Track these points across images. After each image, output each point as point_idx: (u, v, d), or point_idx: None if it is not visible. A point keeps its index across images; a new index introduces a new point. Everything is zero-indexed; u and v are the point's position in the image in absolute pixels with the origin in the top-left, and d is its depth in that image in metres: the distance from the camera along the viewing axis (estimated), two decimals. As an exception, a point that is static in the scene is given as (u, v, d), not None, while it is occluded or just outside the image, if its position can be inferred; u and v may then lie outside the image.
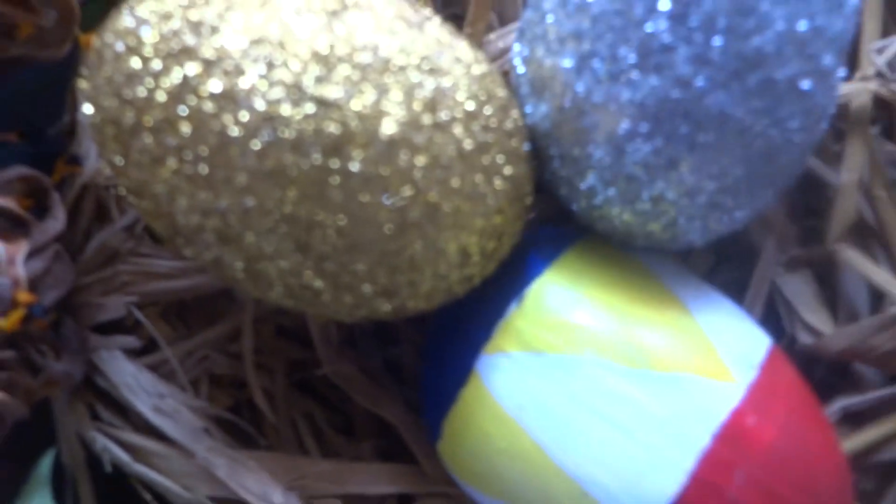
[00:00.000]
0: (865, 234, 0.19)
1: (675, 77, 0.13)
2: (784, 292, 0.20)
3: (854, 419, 0.19)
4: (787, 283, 0.20)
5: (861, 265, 0.19)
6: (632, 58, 0.13)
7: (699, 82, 0.13)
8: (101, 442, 0.18)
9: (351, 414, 0.20)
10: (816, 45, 0.13)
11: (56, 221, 0.17)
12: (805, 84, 0.13)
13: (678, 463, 0.14)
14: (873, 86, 0.18)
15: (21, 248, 0.16)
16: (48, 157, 0.20)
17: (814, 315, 0.19)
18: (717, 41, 0.13)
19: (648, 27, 0.13)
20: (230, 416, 0.18)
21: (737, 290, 0.20)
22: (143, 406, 0.17)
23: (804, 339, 0.19)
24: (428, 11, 0.15)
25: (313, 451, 0.19)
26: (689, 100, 0.13)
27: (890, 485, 0.18)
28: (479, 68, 0.14)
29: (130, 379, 0.18)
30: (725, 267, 0.21)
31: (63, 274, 0.17)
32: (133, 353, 0.18)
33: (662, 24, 0.13)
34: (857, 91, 0.18)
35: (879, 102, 0.18)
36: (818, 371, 0.20)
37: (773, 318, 0.20)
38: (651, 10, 0.13)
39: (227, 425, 0.18)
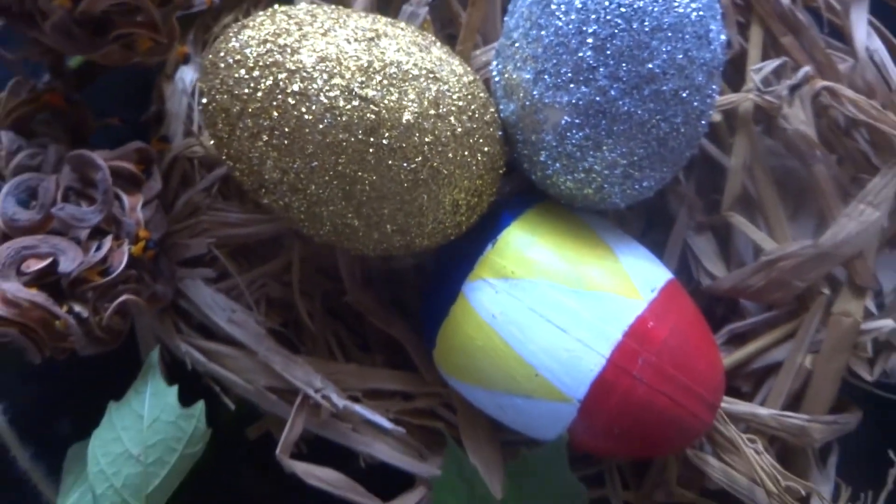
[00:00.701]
0: (750, 205, 0.26)
1: (597, 88, 0.20)
2: (693, 248, 0.27)
3: (738, 339, 0.26)
4: (695, 242, 0.27)
5: (745, 227, 0.25)
6: (569, 74, 0.20)
7: (613, 92, 0.20)
8: (184, 348, 0.24)
9: (367, 333, 0.27)
10: (691, 68, 0.20)
11: (156, 183, 0.24)
12: (684, 94, 0.20)
13: (600, 351, 0.21)
14: (752, 96, 0.25)
15: (138, 200, 0.22)
16: (140, 137, 0.26)
17: (713, 265, 0.26)
18: (624, 65, 0.19)
19: (580, 54, 0.20)
20: (281, 329, 0.25)
21: (660, 248, 0.27)
22: (219, 318, 0.24)
23: (705, 282, 0.26)
24: (432, 37, 0.22)
25: (340, 359, 0.25)
26: (606, 103, 0.20)
27: (762, 385, 0.25)
28: (468, 77, 0.21)
29: (209, 299, 0.24)
30: (652, 231, 0.28)
31: (161, 221, 0.24)
32: (209, 281, 0.24)
33: (589, 53, 0.19)
34: (742, 100, 0.25)
35: (760, 108, 0.25)
36: (719, 309, 0.27)
37: (686, 268, 0.27)
38: (582, 43, 0.19)
39: (277, 336, 0.25)
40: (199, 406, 0.21)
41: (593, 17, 0.19)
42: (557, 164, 0.22)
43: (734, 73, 0.26)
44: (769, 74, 0.25)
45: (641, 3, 0.19)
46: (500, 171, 0.22)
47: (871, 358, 0.25)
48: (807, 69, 0.24)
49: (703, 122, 0.21)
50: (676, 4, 0.19)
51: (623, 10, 0.19)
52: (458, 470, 0.25)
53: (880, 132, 0.24)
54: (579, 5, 0.19)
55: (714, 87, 0.21)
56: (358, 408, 0.23)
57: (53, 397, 0.29)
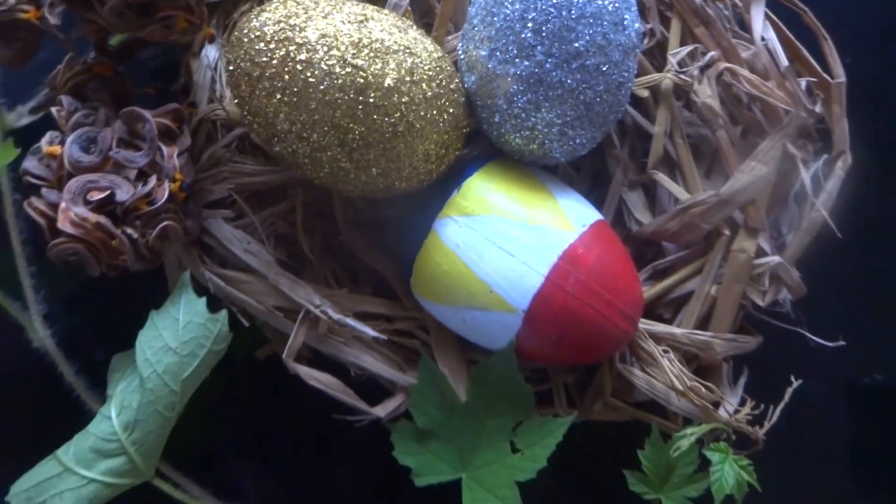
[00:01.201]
0: (671, 165, 0.32)
1: (536, 62, 0.25)
2: (626, 202, 0.32)
3: (659, 274, 0.31)
4: (628, 197, 0.32)
5: (667, 183, 0.31)
6: (514, 51, 0.26)
7: (548, 65, 0.25)
8: (207, 275, 0.30)
9: (356, 267, 0.32)
10: (609, 48, 0.26)
11: (187, 138, 0.29)
12: (604, 68, 0.26)
13: (540, 271, 0.27)
14: (671, 76, 0.30)
15: (174, 150, 0.28)
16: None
17: (641, 214, 0.32)
18: (556, 45, 0.25)
19: (522, 35, 0.25)
20: (286, 260, 0.30)
21: (601, 202, 0.33)
22: (236, 249, 0.29)
23: (634, 228, 0.32)
24: (410, 21, 0.28)
25: (334, 286, 0.31)
26: (543, 74, 0.26)
27: (679, 312, 0.31)
28: (438, 54, 0.27)
29: (228, 234, 0.30)
30: (596, 189, 0.34)
31: (190, 170, 0.29)
32: (229, 220, 0.30)
33: (529, 35, 0.25)
34: (663, 78, 0.31)
35: (678, 86, 0.31)
36: (648, 252, 0.33)
37: (621, 218, 0.33)
38: (524, 27, 0.25)
39: (283, 266, 0.30)
40: (223, 313, 0.27)
41: (532, 6, 0.25)
42: (508, 125, 0.27)
43: (659, 57, 0.32)
44: (684, 58, 0.31)
45: (565, 4, 0.25)
46: (464, 130, 0.28)
47: (765, 290, 0.30)
48: (713, 54, 0.30)
49: (622, 91, 0.27)
50: (597, 2, 0.25)
51: (555, 1, 0.25)
52: (430, 379, 0.30)
53: (770, 105, 0.29)
54: (518, 5, 0.25)
55: (630, 63, 0.27)
56: (349, 321, 0.29)
57: (90, 329, 0.35)
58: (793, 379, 0.32)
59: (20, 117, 0.34)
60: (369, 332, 0.29)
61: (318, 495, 0.34)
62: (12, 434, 0.34)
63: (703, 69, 0.30)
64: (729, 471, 0.28)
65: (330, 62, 0.24)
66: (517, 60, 0.26)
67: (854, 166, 0.31)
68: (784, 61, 0.30)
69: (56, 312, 0.33)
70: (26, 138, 0.32)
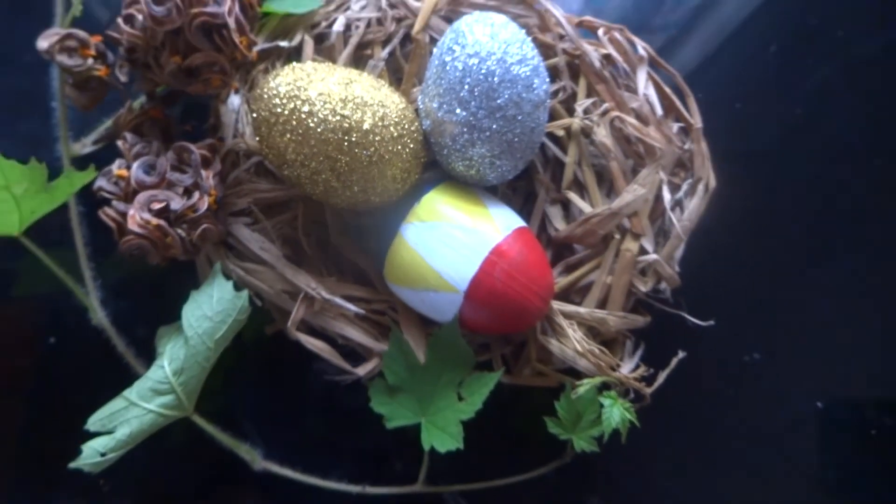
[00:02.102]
0: (580, 186, 0.42)
1: (471, 112, 0.36)
2: (548, 214, 0.43)
3: (570, 268, 0.42)
4: (549, 210, 0.43)
5: (576, 200, 0.42)
6: (455, 105, 0.36)
7: (479, 115, 0.36)
8: (231, 267, 0.40)
9: (342, 262, 0.42)
10: (522, 103, 0.36)
11: (218, 164, 0.39)
12: (519, 117, 0.36)
13: (475, 262, 0.37)
14: (577, 120, 0.41)
15: (210, 173, 0.38)
16: (202, 138, 0.42)
17: (558, 223, 0.42)
18: (484, 101, 0.36)
19: (461, 94, 0.36)
20: (291, 255, 0.41)
21: (529, 214, 0.43)
22: (253, 247, 0.40)
23: (553, 233, 0.42)
24: (384, 81, 0.38)
25: (325, 276, 0.41)
26: (476, 121, 0.36)
27: (584, 297, 0.41)
28: (402, 104, 0.37)
29: (247, 235, 0.40)
30: (526, 203, 0.44)
31: (220, 187, 0.39)
32: (248, 225, 0.40)
33: (466, 93, 0.36)
34: (573, 122, 0.41)
35: (583, 128, 0.42)
36: (566, 252, 0.43)
37: (544, 226, 0.43)
38: (462, 87, 0.36)
39: (288, 259, 0.40)
40: (245, 291, 0.37)
41: (468, 74, 0.36)
42: (453, 157, 0.38)
43: (570, 106, 0.43)
44: (588, 107, 0.41)
45: (493, 68, 0.35)
46: (422, 160, 0.38)
47: (647, 280, 0.41)
48: (608, 105, 0.41)
49: (535, 133, 0.38)
50: (512, 69, 0.35)
51: (483, 72, 0.35)
52: (398, 346, 0.40)
53: (648, 144, 0.40)
54: (460, 67, 0.36)
55: (540, 114, 0.37)
56: (337, 300, 0.39)
57: (135, 311, 0.44)
58: (679, 352, 0.42)
59: (83, 147, 0.44)
60: (352, 308, 0.39)
61: (308, 437, 0.44)
62: (77, 391, 0.43)
63: (600, 116, 0.41)
64: (616, 411, 0.38)
65: (325, 112, 0.35)
66: (458, 111, 0.36)
67: (732, 179, 0.42)
68: (659, 111, 0.41)
69: (110, 298, 0.43)
70: (87, 163, 0.43)
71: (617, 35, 0.42)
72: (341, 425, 0.43)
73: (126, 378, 0.40)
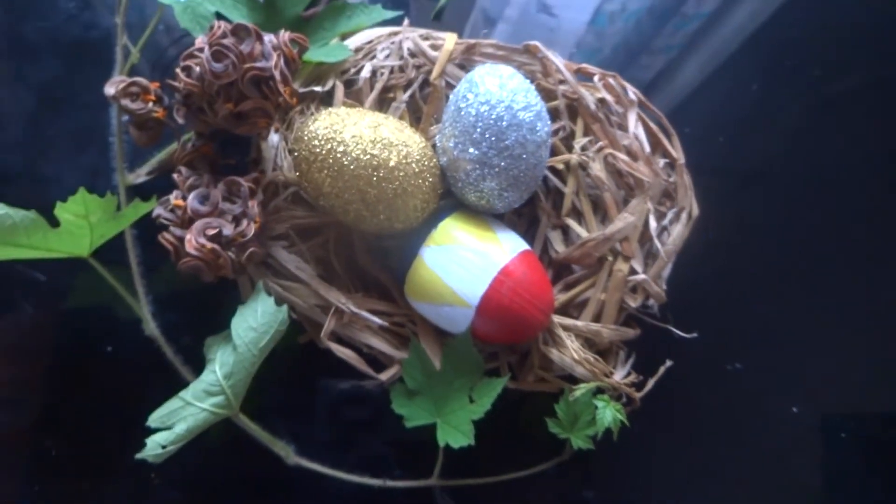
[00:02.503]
0: (578, 213, 0.48)
1: (482, 151, 0.42)
2: (549, 238, 0.48)
3: (569, 286, 0.47)
4: (550, 235, 0.48)
5: (574, 226, 0.47)
6: (469, 144, 0.42)
7: (489, 154, 0.42)
8: (271, 284, 0.46)
9: (367, 279, 0.48)
10: (527, 143, 0.42)
11: (260, 194, 0.45)
12: (524, 156, 0.42)
13: (485, 282, 0.42)
14: (576, 156, 0.47)
15: (255, 203, 0.44)
16: (244, 170, 0.48)
17: (559, 246, 0.48)
18: (494, 141, 0.41)
19: (474, 136, 0.41)
20: (323, 274, 0.46)
21: (532, 237, 0.49)
22: (290, 267, 0.45)
23: (554, 255, 0.48)
24: (406, 123, 0.44)
25: (353, 292, 0.47)
26: (487, 159, 0.42)
27: (581, 312, 0.47)
28: (423, 143, 0.43)
29: (285, 256, 0.45)
30: (530, 228, 0.50)
31: (263, 215, 0.45)
32: (285, 248, 0.46)
33: (478, 135, 0.41)
34: (571, 158, 0.47)
35: (580, 162, 0.47)
36: (564, 272, 0.49)
37: (546, 249, 0.49)
38: (475, 130, 0.41)
39: (321, 278, 0.46)
40: (285, 306, 0.43)
41: (480, 119, 0.41)
42: (466, 189, 0.43)
43: (569, 143, 0.48)
44: (585, 144, 0.47)
45: (501, 114, 0.41)
46: (439, 192, 0.44)
47: (636, 297, 0.46)
48: (601, 142, 0.46)
49: (538, 169, 0.43)
50: (518, 115, 0.41)
51: (493, 118, 0.41)
52: (417, 354, 0.45)
53: (637, 177, 0.46)
54: (473, 112, 0.41)
55: (542, 152, 0.43)
56: (363, 313, 0.45)
57: (182, 323, 0.49)
58: (667, 361, 0.47)
59: (137, 177, 0.50)
60: (376, 321, 0.45)
61: (334, 436, 0.49)
62: (131, 393, 0.49)
63: (595, 152, 0.46)
64: (608, 413, 0.44)
65: (357, 152, 0.40)
66: (471, 150, 0.42)
67: (717, 205, 0.48)
68: (647, 148, 0.46)
69: (159, 310, 0.48)
70: (140, 191, 0.48)
71: (610, 80, 0.48)
72: (365, 425, 0.49)
73: (174, 381, 0.46)
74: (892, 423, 0.52)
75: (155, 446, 0.39)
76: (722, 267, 0.54)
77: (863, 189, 0.57)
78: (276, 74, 0.41)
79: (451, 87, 0.47)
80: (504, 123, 0.41)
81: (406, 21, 0.50)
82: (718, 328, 0.52)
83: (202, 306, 0.49)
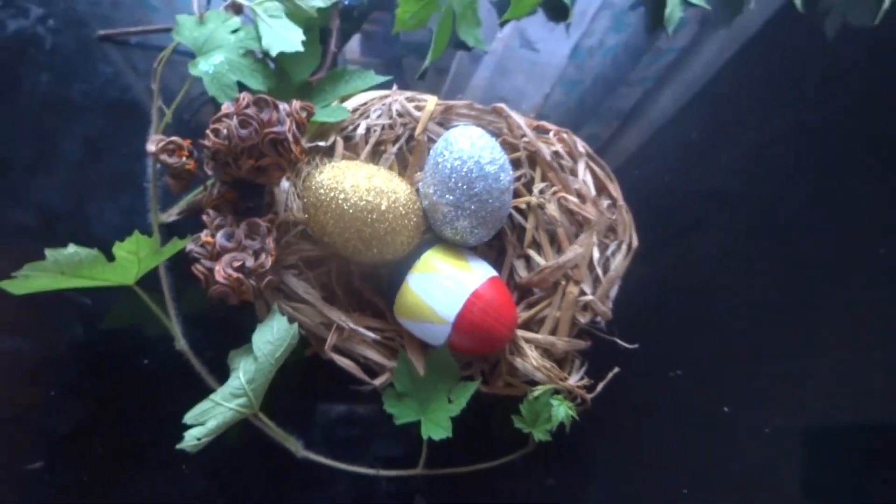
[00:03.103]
0: (538, 245, 0.58)
1: (456, 197, 0.51)
2: (514, 266, 0.58)
3: (531, 305, 0.57)
4: (515, 263, 0.58)
5: (534, 256, 0.57)
6: (445, 192, 0.52)
7: (462, 199, 0.51)
8: (283, 306, 0.55)
9: (363, 301, 0.57)
10: (492, 191, 0.52)
11: (274, 231, 0.55)
12: (489, 200, 0.52)
13: (460, 302, 0.52)
14: (533, 198, 0.57)
15: (271, 238, 0.53)
16: (260, 212, 0.57)
17: (522, 273, 0.58)
18: (465, 189, 0.51)
19: (449, 184, 0.51)
20: (326, 297, 0.56)
21: (500, 265, 0.58)
22: (299, 291, 0.55)
23: (518, 280, 0.58)
24: (395, 173, 0.54)
25: (351, 311, 0.56)
26: (459, 203, 0.51)
27: (540, 327, 0.56)
28: (408, 190, 0.53)
29: (295, 283, 0.55)
30: (499, 258, 0.59)
31: (276, 248, 0.55)
32: (295, 275, 0.55)
33: (452, 184, 0.51)
34: (531, 199, 0.57)
35: (538, 203, 0.57)
36: (528, 294, 0.59)
37: (512, 275, 0.59)
38: (450, 179, 0.51)
39: (325, 300, 0.55)
40: (296, 324, 0.52)
41: (454, 171, 0.51)
42: (444, 227, 0.53)
43: (529, 187, 0.58)
44: (543, 188, 0.57)
45: (471, 167, 0.51)
46: (422, 230, 0.54)
47: (585, 314, 0.56)
48: (556, 187, 0.56)
49: (502, 211, 0.53)
50: (485, 168, 0.51)
51: (464, 171, 0.51)
52: (404, 363, 0.55)
53: (585, 216, 0.56)
54: (449, 166, 0.51)
55: (506, 197, 0.53)
56: (360, 329, 0.54)
57: (208, 339, 0.59)
58: (616, 368, 0.57)
59: (168, 217, 0.59)
60: (371, 335, 0.54)
61: (335, 433, 0.58)
62: (166, 399, 0.58)
63: (551, 195, 0.56)
64: (561, 409, 0.53)
65: (355, 199, 0.50)
66: (447, 196, 0.52)
67: (661, 234, 0.58)
68: (593, 191, 0.56)
69: (188, 329, 0.58)
70: (170, 228, 0.58)
71: (563, 135, 0.58)
72: (361, 423, 0.58)
73: (201, 388, 0.55)
74: (813, 414, 0.62)
75: (191, 439, 0.48)
76: (663, 288, 0.64)
77: (783, 214, 0.67)
78: (289, 136, 0.50)
79: (432, 141, 0.57)
80: (473, 175, 0.51)
81: (395, 86, 0.60)
82: (661, 341, 0.62)
83: (224, 325, 0.58)
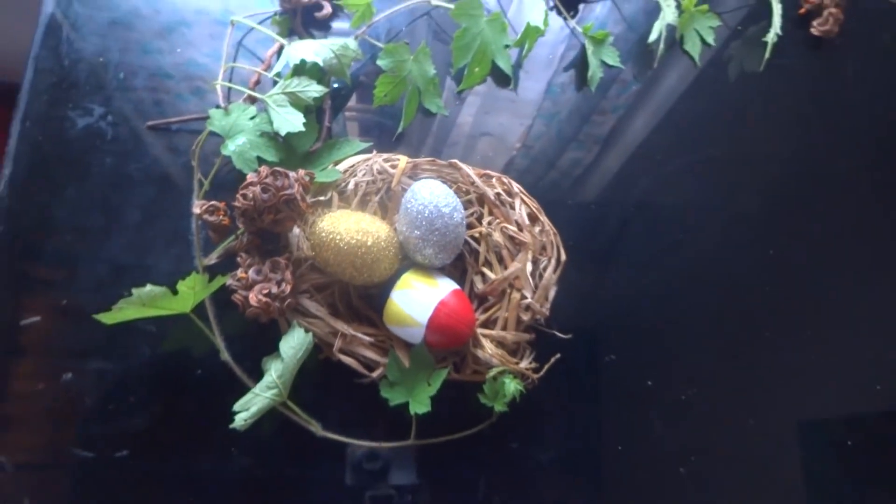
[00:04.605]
0: (490, 264, 0.76)
1: (423, 232, 0.70)
2: (473, 280, 0.77)
3: (486, 309, 0.75)
4: (474, 278, 0.76)
5: (487, 272, 0.75)
6: (414, 229, 0.70)
7: (426, 233, 0.70)
8: (299, 321, 0.73)
9: (360, 314, 0.76)
10: (450, 225, 0.70)
11: (291, 267, 0.73)
12: (447, 233, 0.70)
13: (430, 310, 0.70)
14: (484, 228, 0.75)
15: (289, 271, 0.72)
16: (278, 252, 0.76)
17: (479, 285, 0.76)
18: (428, 226, 0.70)
19: (416, 222, 0.70)
20: (332, 312, 0.74)
21: (464, 280, 0.77)
22: (311, 309, 0.73)
23: (476, 290, 0.76)
24: (378, 217, 0.73)
25: (351, 322, 0.74)
26: (424, 236, 0.70)
27: (494, 325, 0.75)
28: (388, 229, 0.71)
29: (308, 303, 0.73)
30: (462, 275, 0.78)
31: (292, 278, 0.73)
32: (307, 297, 0.74)
33: (419, 220, 0.70)
34: (482, 230, 0.75)
35: (489, 234, 0.76)
36: (484, 301, 0.77)
37: (473, 287, 0.77)
38: (417, 219, 0.70)
39: (331, 315, 0.74)
40: (310, 334, 0.70)
41: (421, 213, 0.70)
42: (416, 254, 0.72)
43: (480, 221, 0.77)
44: (490, 220, 0.76)
45: (432, 210, 0.70)
46: (399, 258, 0.72)
47: (527, 313, 0.74)
48: (499, 220, 0.75)
49: (458, 240, 0.71)
50: (442, 209, 0.70)
51: (426, 213, 0.69)
52: (394, 359, 0.73)
53: (521, 240, 0.74)
54: (415, 210, 0.70)
55: (460, 230, 0.71)
56: (359, 335, 0.73)
57: (246, 350, 0.77)
58: (557, 354, 0.75)
59: (210, 260, 0.78)
60: (367, 339, 0.73)
61: (346, 415, 0.76)
62: (215, 398, 0.76)
63: (496, 226, 0.75)
64: (511, 385, 0.71)
65: (348, 238, 0.69)
66: (416, 232, 0.70)
67: (588, 250, 0.76)
68: (527, 221, 0.75)
69: (229, 343, 0.76)
70: (212, 270, 0.77)
71: (504, 179, 0.77)
72: (364, 406, 0.76)
73: (242, 389, 0.73)
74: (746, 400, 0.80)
75: (240, 420, 0.67)
76: (592, 291, 0.82)
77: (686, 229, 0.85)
78: (298, 196, 0.69)
79: (405, 190, 0.76)
80: (434, 216, 0.70)
81: (374, 151, 0.79)
82: (597, 331, 0.80)
83: (257, 339, 0.77)
